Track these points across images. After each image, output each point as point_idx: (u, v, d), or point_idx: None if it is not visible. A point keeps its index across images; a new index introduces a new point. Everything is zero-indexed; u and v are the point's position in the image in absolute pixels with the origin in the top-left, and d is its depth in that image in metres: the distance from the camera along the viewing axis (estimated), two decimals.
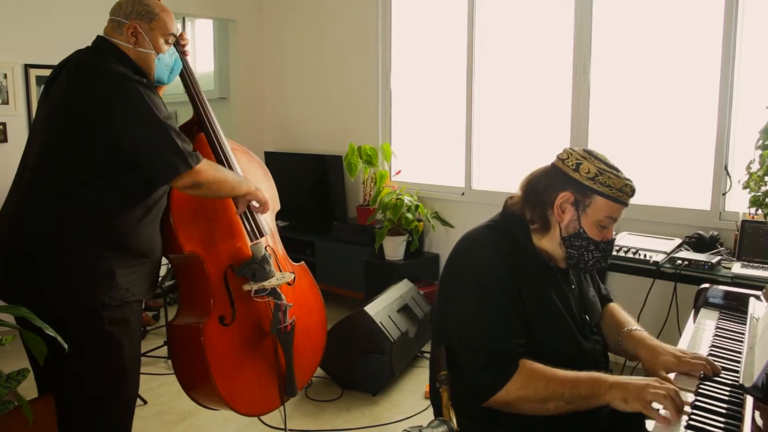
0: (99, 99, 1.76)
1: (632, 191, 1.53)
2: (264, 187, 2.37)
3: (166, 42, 1.95)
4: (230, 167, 2.14)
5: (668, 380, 1.41)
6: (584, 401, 1.38)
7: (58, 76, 1.87)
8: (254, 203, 2.15)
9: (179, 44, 2.12)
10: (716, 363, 1.48)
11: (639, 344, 1.62)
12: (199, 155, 1.87)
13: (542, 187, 1.56)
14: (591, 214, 1.51)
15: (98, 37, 1.93)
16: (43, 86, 1.96)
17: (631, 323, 1.71)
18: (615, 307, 1.80)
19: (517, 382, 1.40)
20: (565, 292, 1.59)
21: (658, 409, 1.26)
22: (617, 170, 1.52)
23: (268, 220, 2.27)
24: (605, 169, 1.50)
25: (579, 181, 1.51)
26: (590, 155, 1.54)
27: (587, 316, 1.64)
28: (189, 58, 2.19)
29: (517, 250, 1.55)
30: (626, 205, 1.53)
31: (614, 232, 1.64)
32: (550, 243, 1.57)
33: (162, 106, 1.85)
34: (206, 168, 1.88)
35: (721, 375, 1.44)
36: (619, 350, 1.69)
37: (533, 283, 1.53)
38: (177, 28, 2.00)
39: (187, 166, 1.81)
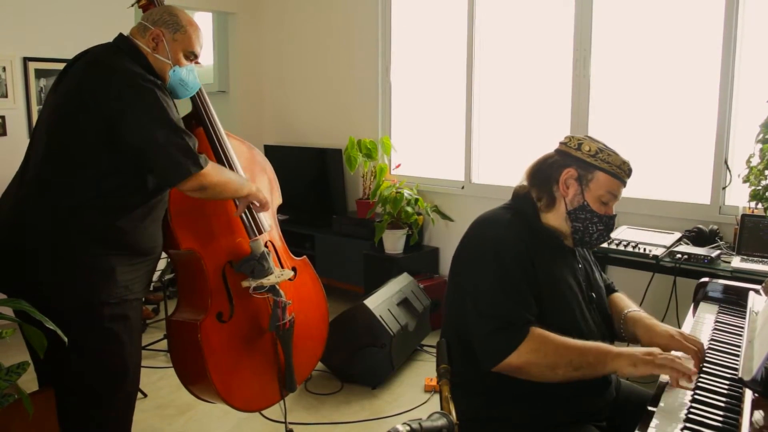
0: (111, 97, 1.74)
1: (630, 170, 1.63)
2: (265, 180, 2.36)
3: (186, 57, 1.94)
4: (230, 163, 2.13)
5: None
6: (591, 368, 1.46)
7: (71, 68, 1.85)
8: (254, 203, 2.14)
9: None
10: (712, 357, 1.50)
11: (636, 324, 1.70)
12: (206, 158, 1.86)
13: (547, 165, 1.67)
14: (593, 189, 1.61)
15: (120, 35, 1.92)
16: (55, 77, 1.92)
17: (630, 306, 1.78)
18: (618, 295, 1.86)
19: (528, 346, 1.46)
20: (574, 269, 1.67)
21: (669, 367, 1.36)
22: (615, 152, 1.63)
23: (268, 216, 2.26)
24: (604, 148, 1.63)
25: (581, 159, 1.62)
26: (590, 138, 1.66)
27: (593, 294, 1.70)
28: None
29: (530, 229, 1.63)
30: (624, 183, 1.64)
31: (615, 225, 1.67)
32: (556, 219, 1.65)
33: (175, 109, 1.85)
34: (211, 170, 1.87)
35: (721, 369, 1.45)
36: (621, 335, 1.75)
37: (545, 259, 1.59)
38: (200, 48, 1.98)
39: (198, 167, 1.80)
